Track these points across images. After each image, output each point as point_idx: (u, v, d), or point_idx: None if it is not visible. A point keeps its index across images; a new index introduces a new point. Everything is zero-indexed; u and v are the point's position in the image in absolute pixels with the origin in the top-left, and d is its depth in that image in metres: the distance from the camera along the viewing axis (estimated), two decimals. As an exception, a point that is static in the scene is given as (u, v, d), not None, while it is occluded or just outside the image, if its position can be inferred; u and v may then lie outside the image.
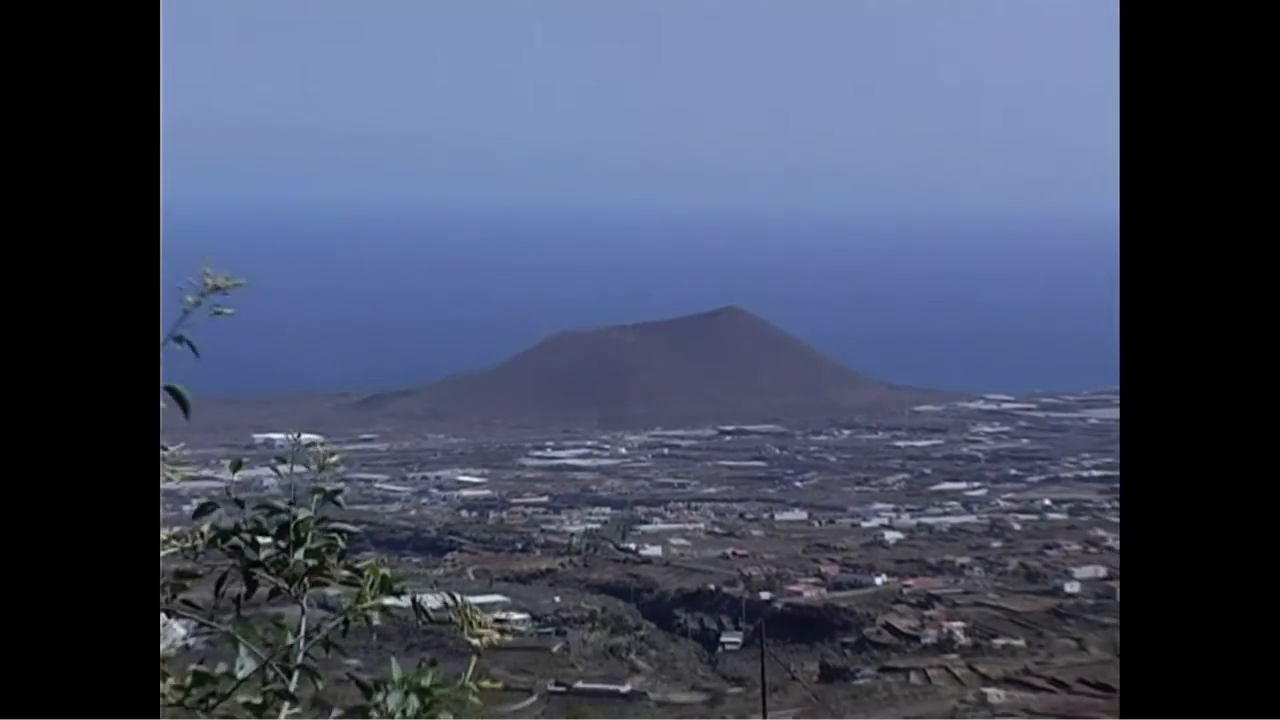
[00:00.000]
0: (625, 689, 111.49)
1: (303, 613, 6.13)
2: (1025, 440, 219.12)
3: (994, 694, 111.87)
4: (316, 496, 6.16)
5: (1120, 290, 7.91)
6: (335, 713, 6.01)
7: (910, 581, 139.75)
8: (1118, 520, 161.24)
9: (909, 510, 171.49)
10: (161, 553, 6.11)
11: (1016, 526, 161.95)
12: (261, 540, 6.10)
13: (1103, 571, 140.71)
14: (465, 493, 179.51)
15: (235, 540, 6.08)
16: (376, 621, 6.13)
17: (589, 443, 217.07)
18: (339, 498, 6.26)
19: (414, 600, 6.18)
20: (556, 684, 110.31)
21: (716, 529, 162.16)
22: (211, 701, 5.95)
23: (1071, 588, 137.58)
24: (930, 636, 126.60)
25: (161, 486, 5.99)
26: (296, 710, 6.05)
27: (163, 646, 5.96)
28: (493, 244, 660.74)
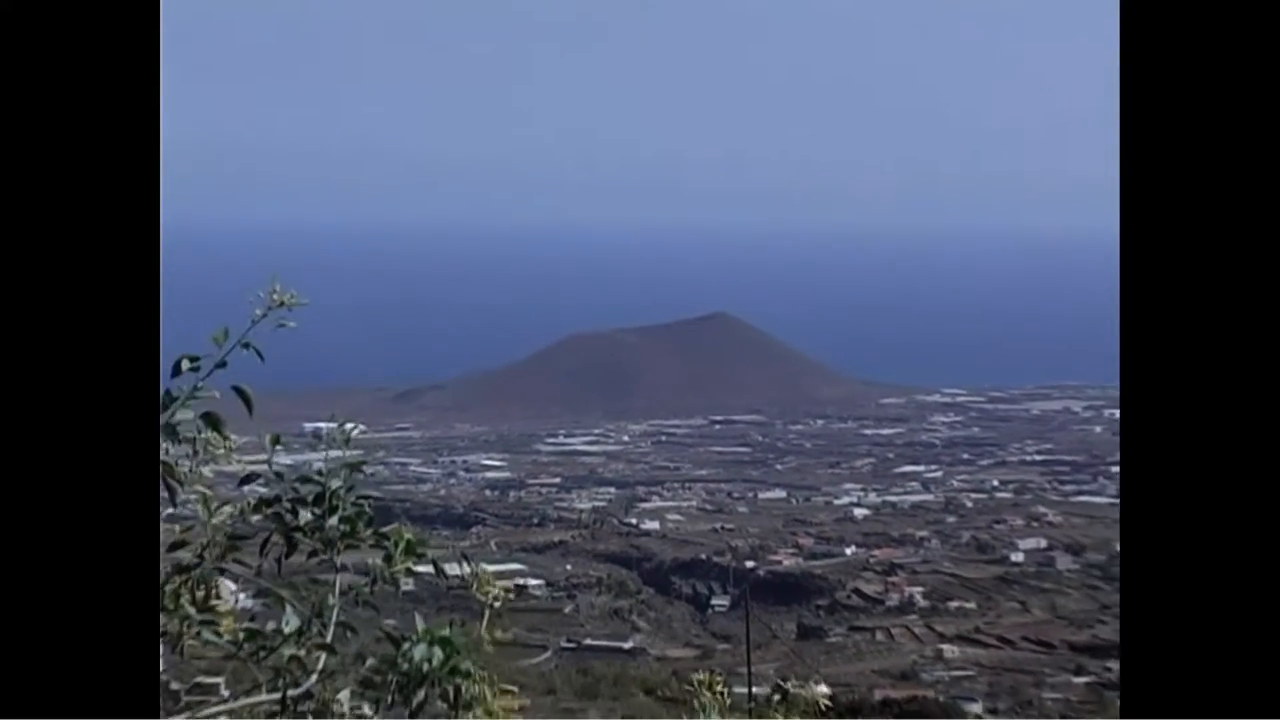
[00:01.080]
0: (627, 645, 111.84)
1: (336, 572, 6.22)
2: (976, 429, 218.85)
3: (949, 650, 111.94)
4: (345, 469, 6.25)
5: (1120, 292, 7.26)
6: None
7: (876, 552, 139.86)
8: (1057, 499, 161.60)
9: (875, 490, 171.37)
10: (215, 519, 6.12)
11: (968, 504, 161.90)
12: (300, 509, 6.17)
13: (1044, 543, 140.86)
14: (488, 474, 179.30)
15: (276, 508, 6.16)
16: (408, 586, 6.20)
17: (596, 431, 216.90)
18: (366, 469, 6.41)
19: (434, 562, 6.26)
20: (568, 641, 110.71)
21: (707, 506, 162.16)
22: (262, 654, 6.02)
23: (1016, 557, 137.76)
24: (893, 600, 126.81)
25: (221, 469, 6.03)
26: (332, 664, 6.10)
27: (219, 603, 6.00)
28: (509, 258, 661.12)
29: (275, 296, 6.11)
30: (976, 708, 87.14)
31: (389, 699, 5.91)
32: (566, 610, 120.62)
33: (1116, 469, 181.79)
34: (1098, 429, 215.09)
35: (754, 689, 38.53)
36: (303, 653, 5.98)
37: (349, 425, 6.33)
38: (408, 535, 6.20)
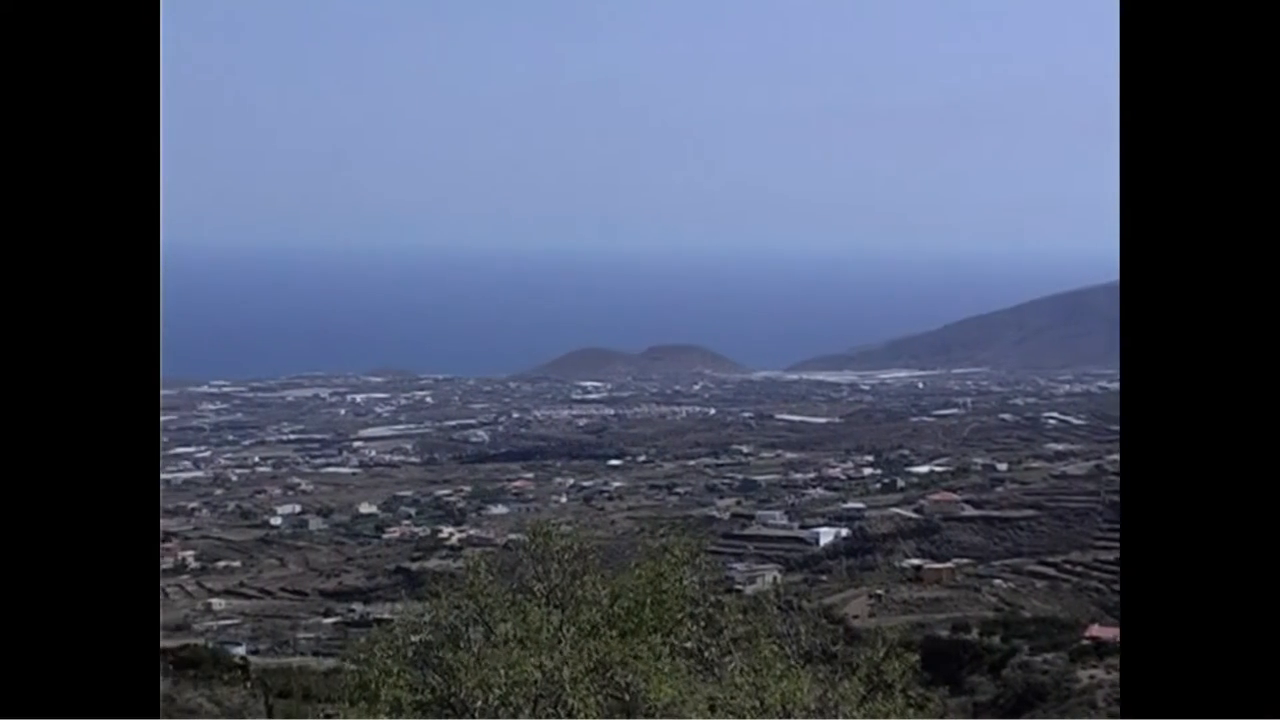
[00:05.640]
0: None
1: None
2: (240, 414, 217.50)
3: (217, 603, 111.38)
4: None
5: (1120, 293, 6.79)
6: None
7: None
8: (309, 471, 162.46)
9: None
10: None
11: (234, 478, 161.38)
12: None
13: (298, 508, 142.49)
14: None
15: None
16: None
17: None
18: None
19: None
20: None
21: None
22: None
23: (275, 521, 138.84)
24: (168, 563, 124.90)
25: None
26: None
27: None
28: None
29: None
30: (241, 650, 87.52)
31: None
32: None
33: (358, 443, 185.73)
34: (341, 411, 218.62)
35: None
36: None
37: None
38: None
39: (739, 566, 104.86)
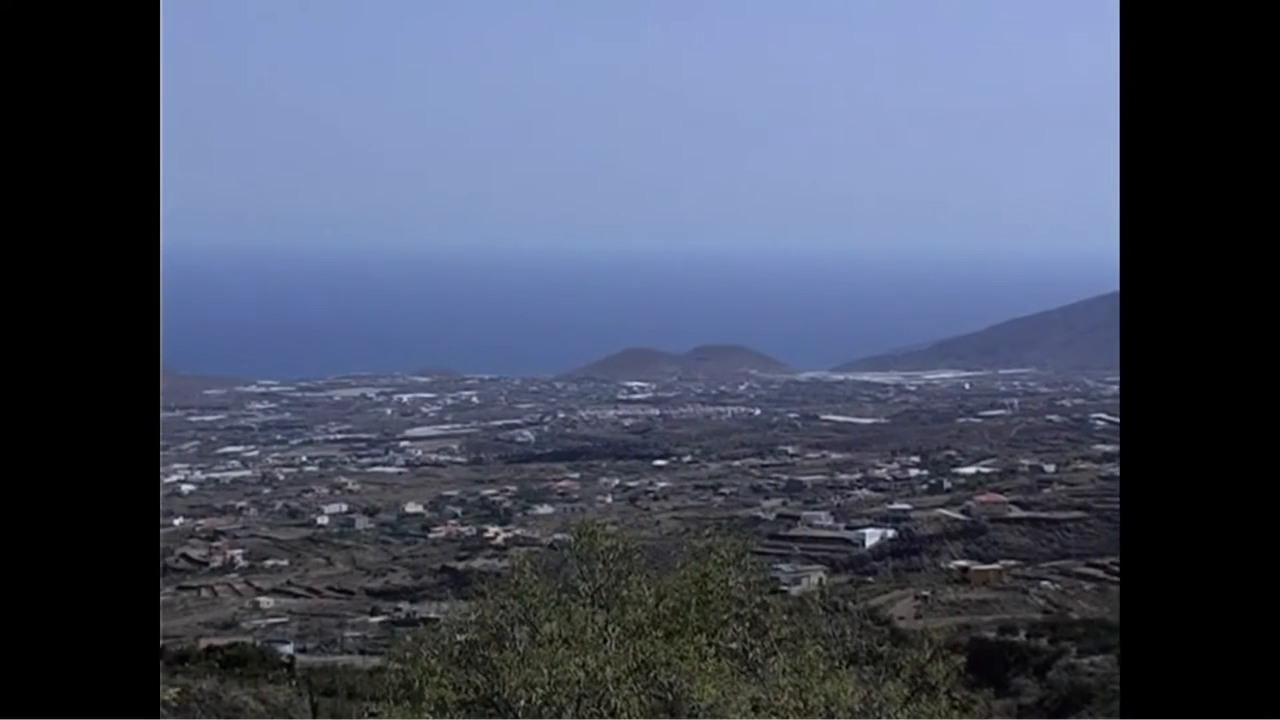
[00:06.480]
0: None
1: None
2: (288, 414, 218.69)
3: (265, 601, 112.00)
4: None
5: (1120, 295, 6.76)
6: None
7: (202, 521, 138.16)
8: (355, 470, 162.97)
9: (200, 468, 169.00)
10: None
11: (281, 477, 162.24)
12: None
13: (345, 507, 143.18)
14: None
15: None
16: None
17: None
18: None
19: None
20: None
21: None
22: None
23: (322, 520, 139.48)
24: (217, 561, 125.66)
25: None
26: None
27: None
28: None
29: None
30: (289, 649, 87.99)
31: None
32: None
33: (405, 443, 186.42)
34: (388, 411, 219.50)
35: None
36: None
37: None
38: None
39: (784, 567, 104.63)
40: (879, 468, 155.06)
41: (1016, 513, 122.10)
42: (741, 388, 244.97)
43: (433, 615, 58.01)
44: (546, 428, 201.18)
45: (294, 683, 51.72)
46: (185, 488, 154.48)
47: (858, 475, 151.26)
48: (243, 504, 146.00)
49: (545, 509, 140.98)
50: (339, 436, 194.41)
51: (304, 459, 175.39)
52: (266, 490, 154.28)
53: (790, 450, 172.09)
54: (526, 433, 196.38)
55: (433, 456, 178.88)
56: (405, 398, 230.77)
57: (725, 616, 15.88)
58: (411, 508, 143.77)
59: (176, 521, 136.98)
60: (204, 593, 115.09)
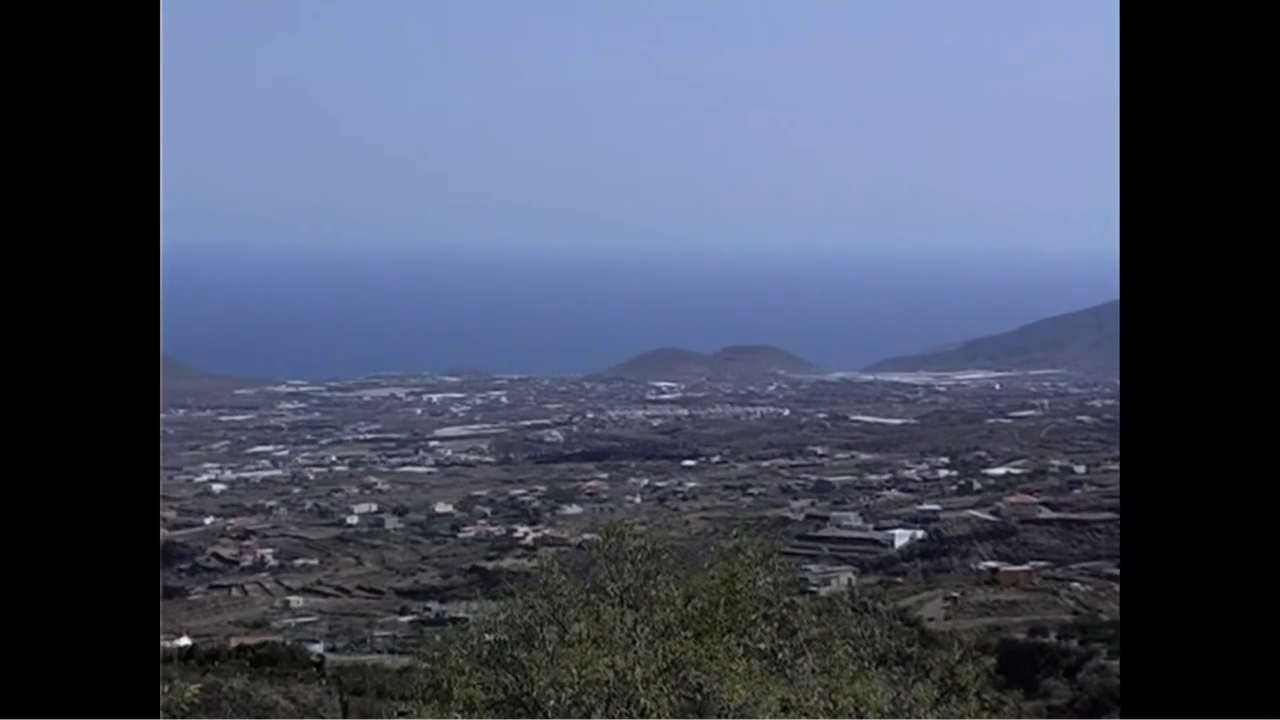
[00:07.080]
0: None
1: None
2: (317, 414, 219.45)
3: (295, 600, 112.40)
4: None
5: (1120, 296, 6.69)
6: None
7: (232, 521, 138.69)
8: (385, 470, 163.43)
9: (230, 468, 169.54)
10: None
11: (310, 477, 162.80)
12: None
13: (374, 507, 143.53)
14: None
15: None
16: None
17: None
18: None
19: None
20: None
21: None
22: None
23: (351, 520, 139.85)
24: (247, 560, 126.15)
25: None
26: None
27: None
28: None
29: None
30: (318, 648, 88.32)
31: None
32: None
33: (434, 443, 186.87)
34: (418, 411, 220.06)
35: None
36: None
37: None
38: None
39: (813, 568, 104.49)
40: (908, 468, 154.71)
41: (1047, 514, 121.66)
42: (770, 388, 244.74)
43: (462, 615, 58.07)
44: (575, 428, 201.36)
45: (324, 682, 51.89)
46: (216, 487, 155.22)
47: (887, 476, 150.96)
48: (273, 503, 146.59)
49: (574, 509, 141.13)
50: (369, 436, 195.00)
51: (334, 459, 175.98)
52: (297, 490, 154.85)
53: (819, 451, 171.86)
54: (555, 433, 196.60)
55: (462, 456, 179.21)
56: (435, 398, 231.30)
57: (754, 617, 15.86)
58: (441, 507, 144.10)
59: (207, 521, 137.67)
60: (234, 592, 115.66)
